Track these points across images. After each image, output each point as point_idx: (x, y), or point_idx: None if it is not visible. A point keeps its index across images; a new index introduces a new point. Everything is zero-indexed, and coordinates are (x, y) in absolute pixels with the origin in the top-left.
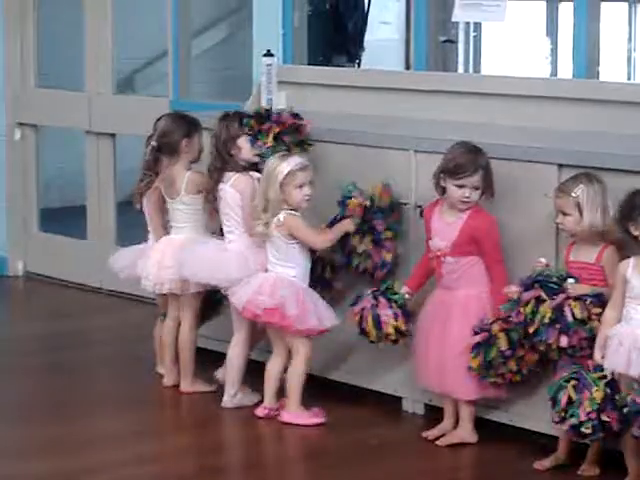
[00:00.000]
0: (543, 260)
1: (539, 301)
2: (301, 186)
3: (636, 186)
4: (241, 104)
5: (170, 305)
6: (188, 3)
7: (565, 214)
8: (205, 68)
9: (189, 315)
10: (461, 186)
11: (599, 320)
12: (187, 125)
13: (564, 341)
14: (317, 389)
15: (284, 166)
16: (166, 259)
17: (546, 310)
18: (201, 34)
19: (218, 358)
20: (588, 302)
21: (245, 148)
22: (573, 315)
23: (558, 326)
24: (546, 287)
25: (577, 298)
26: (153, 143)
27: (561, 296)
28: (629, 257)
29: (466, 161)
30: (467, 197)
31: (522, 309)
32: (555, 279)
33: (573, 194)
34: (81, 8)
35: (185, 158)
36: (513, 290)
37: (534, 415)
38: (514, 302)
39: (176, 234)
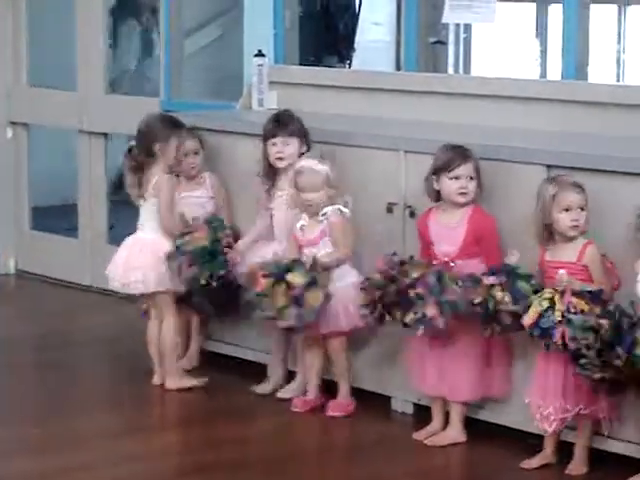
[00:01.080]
0: (516, 253)
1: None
2: (303, 190)
3: (623, 188)
4: (232, 104)
5: (152, 304)
6: (180, 3)
7: (583, 209)
8: (196, 68)
9: (168, 313)
10: (456, 178)
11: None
12: (165, 129)
13: (572, 345)
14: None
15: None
16: (132, 259)
17: (557, 304)
18: (192, 34)
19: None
20: (589, 299)
21: (270, 153)
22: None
23: (563, 326)
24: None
25: (578, 295)
26: (131, 143)
27: (567, 295)
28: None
29: (455, 154)
30: (464, 187)
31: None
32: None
33: (585, 191)
34: (73, 7)
35: (163, 162)
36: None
37: (522, 414)
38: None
39: (140, 232)
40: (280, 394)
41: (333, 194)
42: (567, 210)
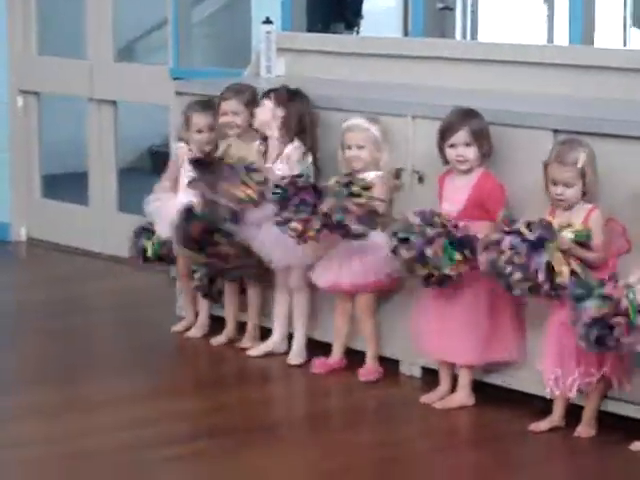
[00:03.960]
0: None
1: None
2: (349, 147)
3: (630, 151)
4: (241, 71)
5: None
6: None
7: (568, 186)
8: (205, 35)
9: None
10: (453, 145)
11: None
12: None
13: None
14: (317, 352)
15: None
16: None
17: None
18: (201, 1)
19: None
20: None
21: None
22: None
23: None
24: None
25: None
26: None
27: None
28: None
29: (452, 120)
30: (460, 155)
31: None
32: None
33: (579, 164)
34: None
35: None
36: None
37: (530, 378)
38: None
39: None
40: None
41: (378, 156)
42: (554, 184)
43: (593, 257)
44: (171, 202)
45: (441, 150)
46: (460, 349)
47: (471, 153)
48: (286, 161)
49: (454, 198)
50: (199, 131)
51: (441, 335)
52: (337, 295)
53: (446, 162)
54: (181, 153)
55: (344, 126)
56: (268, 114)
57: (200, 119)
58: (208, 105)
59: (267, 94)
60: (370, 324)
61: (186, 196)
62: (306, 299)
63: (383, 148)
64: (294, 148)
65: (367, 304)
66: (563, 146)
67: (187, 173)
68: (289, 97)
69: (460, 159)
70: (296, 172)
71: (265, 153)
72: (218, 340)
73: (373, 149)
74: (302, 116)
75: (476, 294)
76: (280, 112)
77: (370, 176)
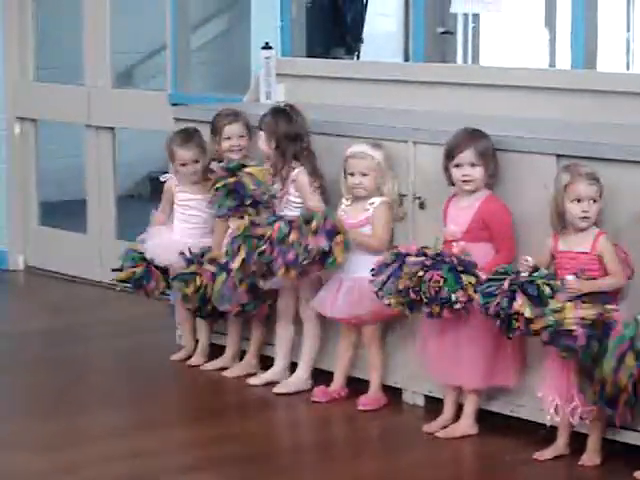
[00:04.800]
0: (530, 260)
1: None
2: (352, 174)
3: (633, 176)
4: (240, 97)
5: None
6: None
7: (596, 200)
8: (203, 61)
9: None
10: (458, 165)
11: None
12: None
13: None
14: (318, 381)
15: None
16: None
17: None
18: (200, 27)
19: None
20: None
21: None
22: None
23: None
24: (529, 296)
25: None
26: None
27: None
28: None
29: (458, 140)
30: (466, 175)
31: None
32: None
33: (601, 181)
34: (80, 1)
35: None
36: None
37: (534, 405)
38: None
39: None
40: (276, 389)
41: (381, 183)
42: (578, 201)
43: (609, 283)
44: (166, 237)
45: (446, 170)
46: (468, 373)
47: (477, 173)
48: (294, 186)
49: (458, 220)
50: (183, 164)
51: (448, 359)
52: (342, 325)
53: (451, 183)
54: (168, 186)
55: (348, 152)
56: (264, 145)
57: (183, 153)
58: (189, 137)
59: (259, 125)
60: (377, 353)
61: (181, 231)
62: (315, 332)
63: (387, 174)
64: (298, 173)
65: (373, 334)
66: (578, 167)
67: (178, 202)
68: (276, 122)
69: (466, 179)
70: (311, 201)
71: (275, 175)
72: (214, 365)
73: (376, 176)
74: (295, 136)
75: (481, 318)
76: (273, 142)
77: (375, 202)
